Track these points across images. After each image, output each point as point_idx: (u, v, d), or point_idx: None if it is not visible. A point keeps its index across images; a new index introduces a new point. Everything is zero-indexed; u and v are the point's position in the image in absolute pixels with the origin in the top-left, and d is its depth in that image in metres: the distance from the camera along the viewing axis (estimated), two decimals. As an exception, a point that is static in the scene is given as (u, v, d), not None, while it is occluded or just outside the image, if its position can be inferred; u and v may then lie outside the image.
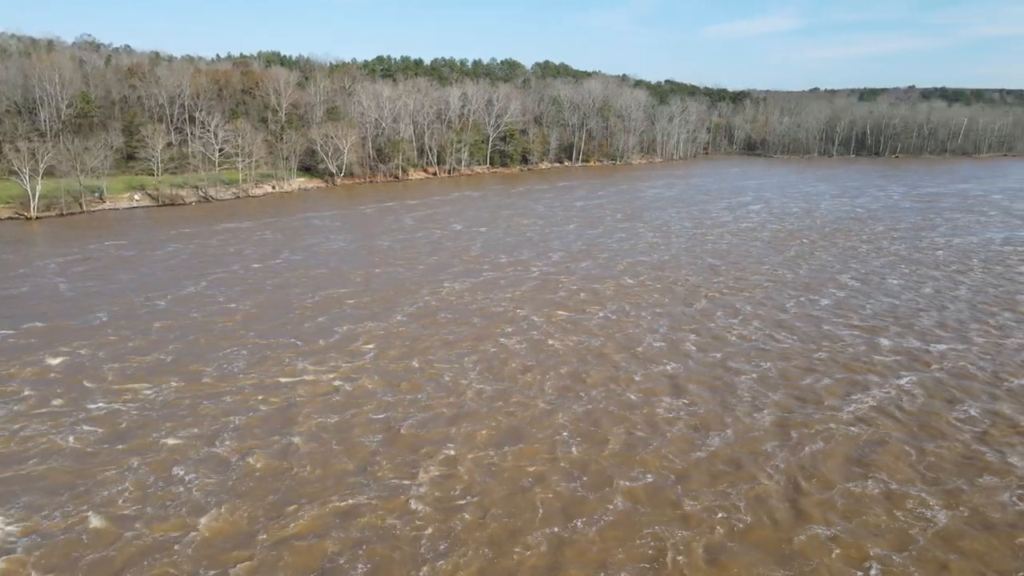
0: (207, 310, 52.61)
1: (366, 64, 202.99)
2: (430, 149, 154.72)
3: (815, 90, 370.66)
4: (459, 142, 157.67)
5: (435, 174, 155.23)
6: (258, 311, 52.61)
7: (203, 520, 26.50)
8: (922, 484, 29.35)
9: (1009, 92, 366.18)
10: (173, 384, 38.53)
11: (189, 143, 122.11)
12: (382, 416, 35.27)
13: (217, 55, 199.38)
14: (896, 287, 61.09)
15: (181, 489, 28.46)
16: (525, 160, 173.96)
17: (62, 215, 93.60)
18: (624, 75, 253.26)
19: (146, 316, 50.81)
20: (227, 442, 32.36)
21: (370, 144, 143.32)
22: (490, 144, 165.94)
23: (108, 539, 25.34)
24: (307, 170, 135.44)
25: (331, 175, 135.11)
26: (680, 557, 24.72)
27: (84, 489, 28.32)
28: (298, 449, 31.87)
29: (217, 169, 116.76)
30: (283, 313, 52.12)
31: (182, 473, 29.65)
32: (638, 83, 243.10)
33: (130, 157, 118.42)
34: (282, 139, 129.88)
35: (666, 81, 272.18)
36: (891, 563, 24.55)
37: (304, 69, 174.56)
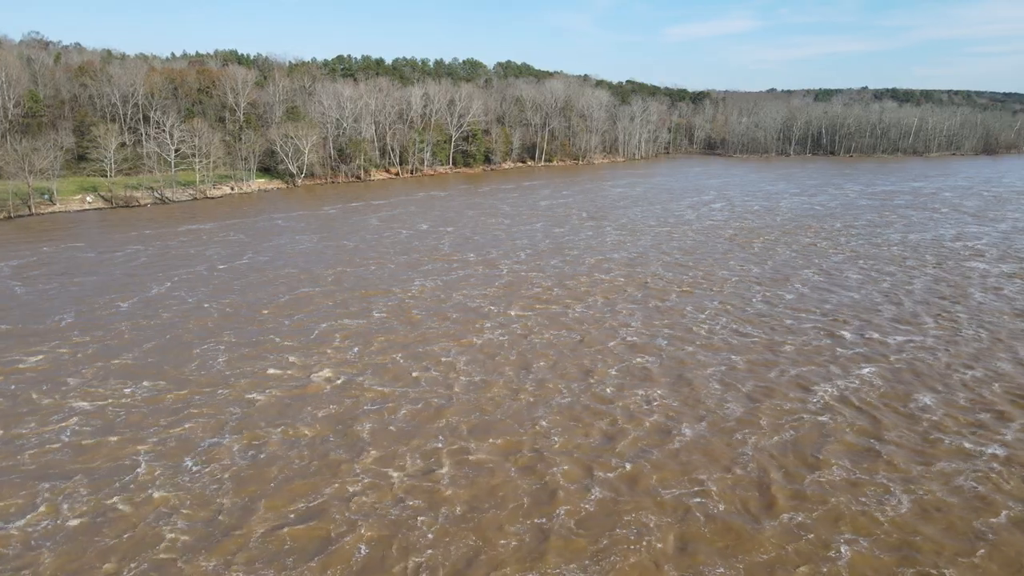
0: (176, 310, 51.74)
1: (326, 63, 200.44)
2: (392, 149, 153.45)
3: (772, 91, 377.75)
4: (422, 142, 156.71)
5: (397, 174, 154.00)
6: (233, 310, 52.07)
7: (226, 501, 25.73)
8: (884, 471, 30.03)
9: (956, 93, 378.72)
10: (147, 384, 37.54)
11: (144, 143, 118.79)
12: (375, 408, 35.28)
13: (172, 53, 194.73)
14: (855, 281, 62.44)
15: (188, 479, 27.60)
16: (488, 160, 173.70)
17: (9, 218, 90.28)
18: (586, 75, 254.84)
19: (111, 318, 49.61)
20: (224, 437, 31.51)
21: (331, 144, 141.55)
22: (453, 144, 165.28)
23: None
24: (267, 171, 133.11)
25: (292, 176, 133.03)
26: (657, 543, 24.83)
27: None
28: (295, 443, 31.24)
29: (173, 170, 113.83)
30: (255, 312, 51.50)
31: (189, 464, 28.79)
32: (600, 83, 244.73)
33: (81, 158, 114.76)
34: (240, 139, 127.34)
35: (627, 81, 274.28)
36: (858, 546, 25.13)
37: (263, 68, 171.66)
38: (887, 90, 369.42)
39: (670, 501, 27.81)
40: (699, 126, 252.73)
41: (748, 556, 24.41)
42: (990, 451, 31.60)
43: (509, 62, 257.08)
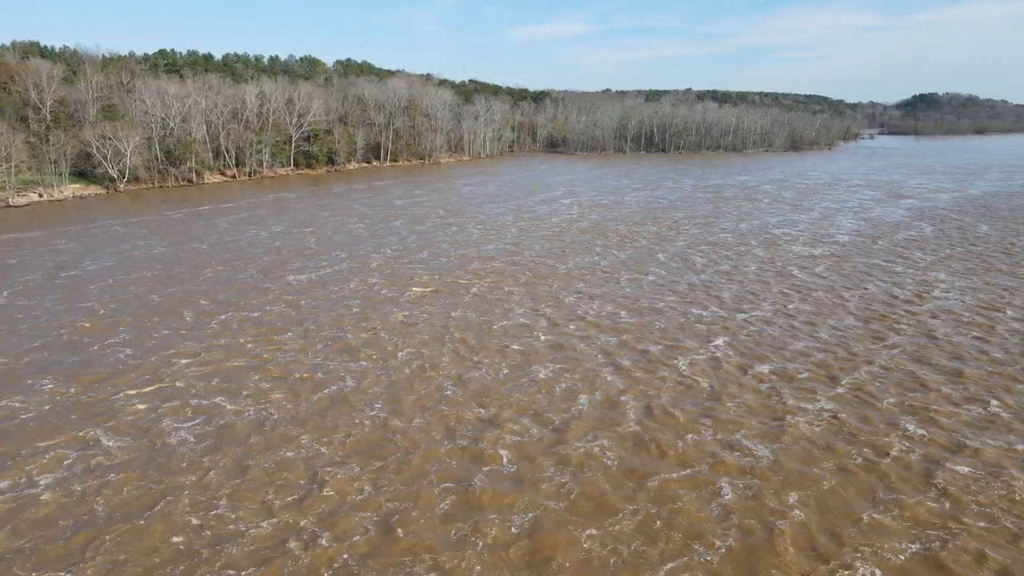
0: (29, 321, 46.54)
1: (147, 58, 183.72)
2: (227, 151, 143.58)
3: (608, 91, 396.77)
4: (259, 143, 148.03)
5: (234, 177, 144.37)
6: (109, 317, 48.32)
7: None
8: (744, 430, 32.85)
9: (767, 95, 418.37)
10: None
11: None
12: (267, 405, 31.73)
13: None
14: (700, 264, 66.67)
15: None
16: (332, 161, 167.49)
17: None
18: (429, 74, 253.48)
19: None
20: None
21: (157, 146, 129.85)
22: (293, 145, 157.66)
23: None
24: (82, 175, 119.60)
25: (112, 180, 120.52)
26: (561, 502, 24.30)
27: None
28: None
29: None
30: (143, 313, 49.04)
31: None
32: (442, 82, 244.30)
33: None
34: (48, 140, 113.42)
35: (470, 81, 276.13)
36: (738, 488, 27.77)
37: (71, 62, 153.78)
38: (709, 91, 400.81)
39: (575, 454, 29.59)
40: (541, 125, 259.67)
41: (647, 505, 24.52)
42: (817, 406, 35.42)
43: (349, 60, 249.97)
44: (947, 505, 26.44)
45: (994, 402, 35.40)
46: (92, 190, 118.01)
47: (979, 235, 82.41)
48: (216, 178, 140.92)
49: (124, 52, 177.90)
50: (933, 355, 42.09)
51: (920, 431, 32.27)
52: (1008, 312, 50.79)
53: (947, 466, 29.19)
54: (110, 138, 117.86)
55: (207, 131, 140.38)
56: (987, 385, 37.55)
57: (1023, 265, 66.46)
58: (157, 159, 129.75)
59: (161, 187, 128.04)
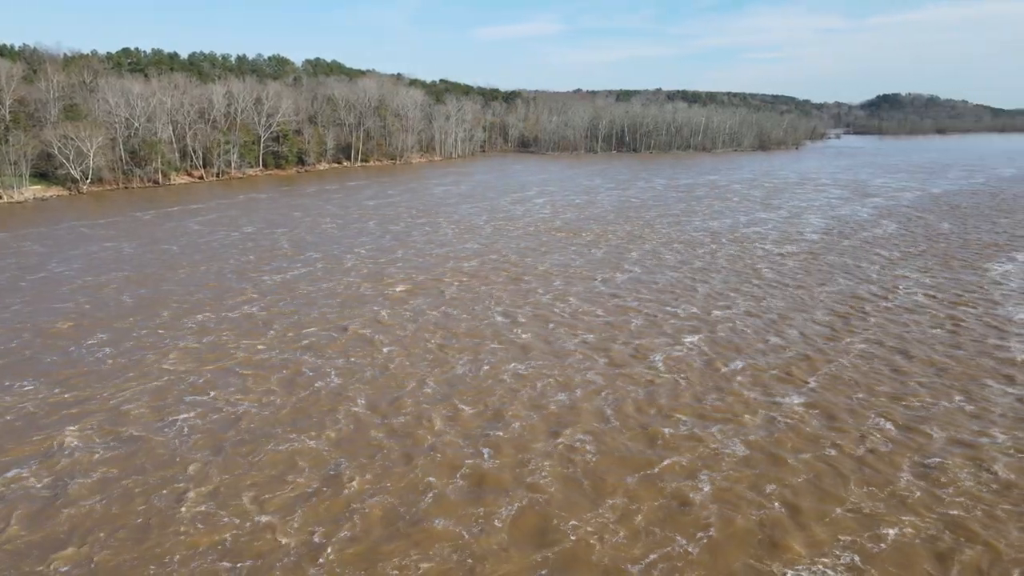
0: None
1: (110, 56, 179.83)
2: (194, 151, 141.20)
3: (579, 91, 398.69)
4: (227, 143, 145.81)
5: (202, 178, 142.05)
6: (84, 318, 47.30)
7: None
8: (720, 424, 33.24)
9: (735, 95, 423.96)
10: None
11: None
12: (255, 395, 31.13)
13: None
14: (673, 262, 67.26)
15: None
16: (302, 161, 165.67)
17: None
18: (399, 74, 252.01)
19: None
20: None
21: (121, 146, 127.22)
22: (262, 145, 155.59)
23: None
24: (43, 176, 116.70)
25: (75, 181, 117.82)
26: (542, 495, 24.31)
27: None
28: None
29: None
30: (118, 314, 48.49)
31: None
32: (413, 82, 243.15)
33: None
34: (7, 141, 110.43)
35: (441, 80, 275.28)
36: (716, 481, 28.07)
37: (31, 61, 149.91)
38: (678, 92, 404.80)
39: (558, 449, 29.36)
40: (512, 125, 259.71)
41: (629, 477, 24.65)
42: (789, 400, 35.99)
43: (319, 60, 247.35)
44: (919, 493, 26.99)
45: (958, 396, 36.25)
46: (54, 191, 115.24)
47: (942, 232, 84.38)
48: (183, 179, 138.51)
49: (86, 51, 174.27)
50: (901, 349, 42.98)
51: (888, 424, 32.90)
52: (971, 308, 52.04)
53: (917, 456, 29.80)
54: (72, 138, 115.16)
55: (173, 131, 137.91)
56: (951, 378, 38.45)
57: (984, 261, 68.22)
58: (122, 160, 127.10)
59: (126, 188, 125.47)
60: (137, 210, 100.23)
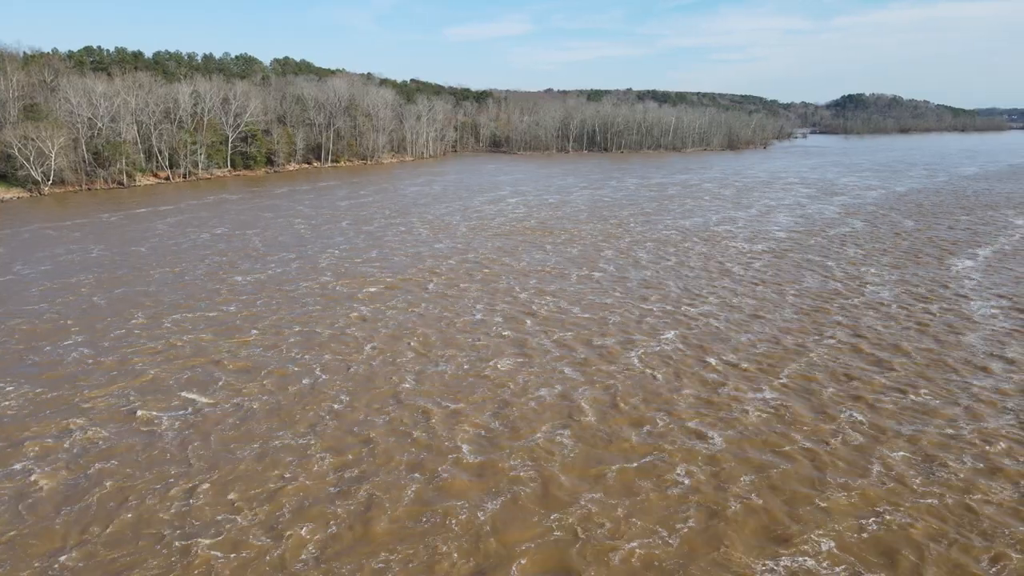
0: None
1: (72, 55, 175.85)
2: (160, 152, 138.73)
3: (549, 91, 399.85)
4: (194, 143, 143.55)
5: (168, 179, 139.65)
6: (56, 320, 46.26)
7: None
8: (697, 419, 33.66)
9: (704, 95, 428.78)
10: None
11: None
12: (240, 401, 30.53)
13: None
14: (646, 260, 67.86)
15: None
16: (271, 162, 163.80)
17: None
18: (369, 73, 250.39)
19: None
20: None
21: (84, 147, 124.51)
22: (230, 145, 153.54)
23: None
24: (3, 178, 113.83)
25: (36, 183, 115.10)
26: (524, 488, 24.34)
27: None
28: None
29: None
30: (91, 315, 45.81)
31: None
32: (384, 82, 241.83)
33: None
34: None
35: (412, 80, 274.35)
36: (697, 473, 28.43)
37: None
38: (648, 91, 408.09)
39: (538, 444, 30.10)
40: (484, 124, 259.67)
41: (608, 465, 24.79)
42: (762, 395, 36.45)
43: (287, 59, 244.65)
44: (891, 485, 27.58)
45: (924, 390, 37.13)
46: (14, 193, 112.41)
47: (906, 230, 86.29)
48: (149, 180, 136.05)
49: (47, 49, 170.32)
50: (868, 345, 43.87)
51: (859, 417, 33.57)
52: (935, 304, 53.30)
53: (885, 450, 30.46)
54: (33, 139, 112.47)
55: (138, 131, 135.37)
56: (918, 372, 39.36)
57: (947, 257, 69.93)
58: (85, 161, 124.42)
59: (89, 190, 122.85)
60: (103, 212, 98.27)
